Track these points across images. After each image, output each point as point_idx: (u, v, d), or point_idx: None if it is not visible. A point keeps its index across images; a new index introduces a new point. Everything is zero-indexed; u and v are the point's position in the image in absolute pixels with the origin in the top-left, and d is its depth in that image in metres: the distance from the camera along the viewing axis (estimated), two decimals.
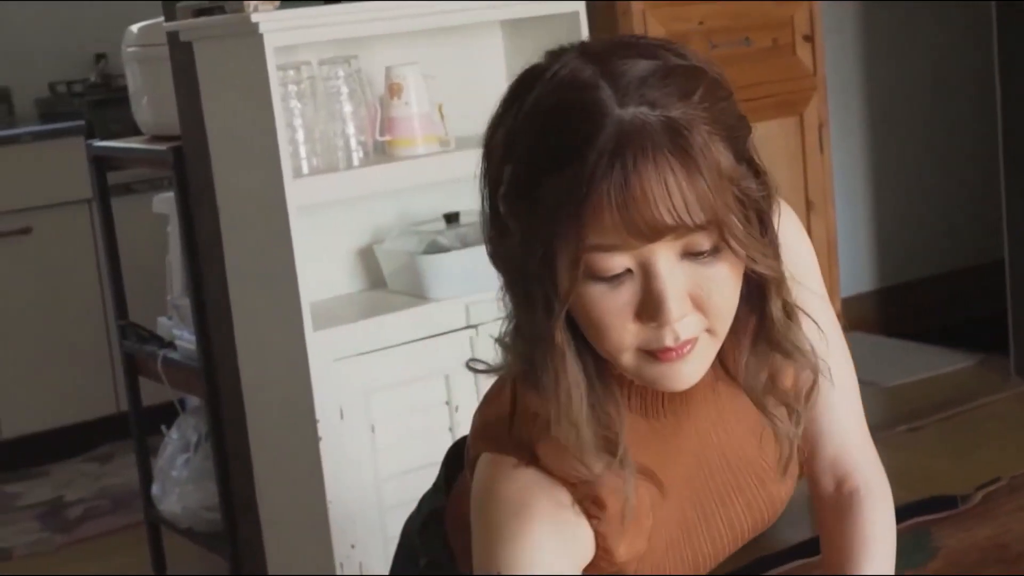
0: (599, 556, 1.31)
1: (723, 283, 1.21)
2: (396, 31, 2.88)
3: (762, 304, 1.27)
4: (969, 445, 4.00)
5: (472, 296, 2.78)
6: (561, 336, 1.21)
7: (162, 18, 3.10)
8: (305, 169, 2.76)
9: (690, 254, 1.19)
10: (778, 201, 1.26)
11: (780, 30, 3.49)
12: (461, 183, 2.93)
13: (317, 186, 2.74)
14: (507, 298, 1.26)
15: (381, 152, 2.87)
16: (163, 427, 3.52)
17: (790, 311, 1.28)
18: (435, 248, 2.85)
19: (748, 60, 3.60)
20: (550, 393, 1.22)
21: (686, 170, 1.14)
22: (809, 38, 3.50)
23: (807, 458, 1.53)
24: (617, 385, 1.28)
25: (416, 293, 2.85)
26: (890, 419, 4.24)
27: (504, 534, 1.25)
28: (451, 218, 2.91)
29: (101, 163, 3.60)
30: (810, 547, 1.57)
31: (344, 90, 2.81)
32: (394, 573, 1.70)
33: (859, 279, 5.15)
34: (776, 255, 1.24)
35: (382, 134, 2.84)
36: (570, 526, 1.28)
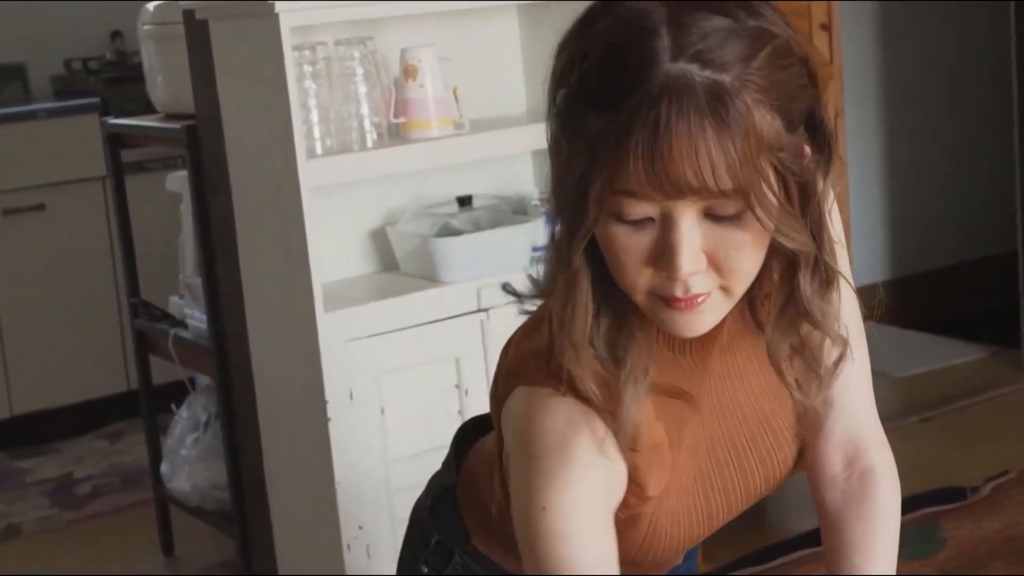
0: (630, 492, 1.31)
1: (744, 247, 1.21)
2: (412, 13, 2.88)
3: (793, 275, 1.27)
4: (979, 437, 4.00)
5: (483, 280, 2.78)
6: (579, 261, 1.23)
7: None
8: (319, 150, 2.76)
9: (713, 216, 1.19)
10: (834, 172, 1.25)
11: (797, 18, 3.47)
12: (475, 166, 2.95)
13: (331, 167, 2.74)
14: (550, 203, 1.28)
15: (395, 134, 2.86)
16: (173, 406, 3.53)
17: (826, 281, 1.27)
18: (448, 231, 2.85)
19: None
20: (558, 314, 1.25)
21: (718, 135, 1.14)
22: (826, 27, 3.48)
23: (811, 434, 1.47)
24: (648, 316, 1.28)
25: (428, 276, 2.85)
26: (901, 410, 4.23)
27: (545, 469, 1.26)
28: (464, 201, 2.91)
29: (115, 141, 3.61)
30: (817, 537, 1.54)
31: (359, 71, 2.80)
32: (404, 555, 1.69)
33: (872, 269, 5.14)
34: (809, 231, 1.23)
35: (397, 116, 2.84)
36: (607, 461, 1.28)
